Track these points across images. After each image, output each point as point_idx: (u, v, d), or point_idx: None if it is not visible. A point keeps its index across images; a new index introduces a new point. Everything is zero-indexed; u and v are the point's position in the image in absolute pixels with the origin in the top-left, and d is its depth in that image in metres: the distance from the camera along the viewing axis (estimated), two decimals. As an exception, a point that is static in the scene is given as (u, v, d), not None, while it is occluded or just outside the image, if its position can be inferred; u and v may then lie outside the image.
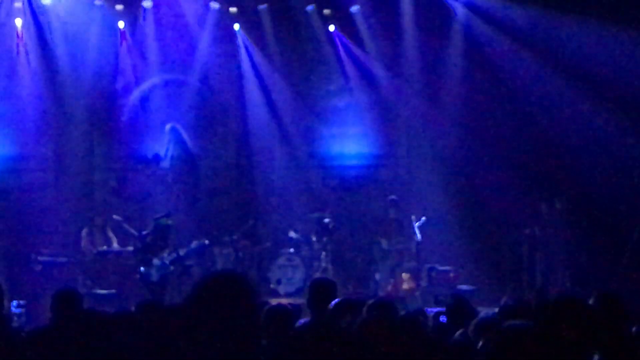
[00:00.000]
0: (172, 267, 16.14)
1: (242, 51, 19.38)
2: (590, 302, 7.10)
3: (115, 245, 17.34)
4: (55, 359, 5.57)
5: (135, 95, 19.24)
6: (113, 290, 16.36)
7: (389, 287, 17.26)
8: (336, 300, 7.64)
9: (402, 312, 7.68)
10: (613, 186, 16.97)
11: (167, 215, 16.61)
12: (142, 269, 16.06)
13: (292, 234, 18.23)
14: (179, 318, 3.96)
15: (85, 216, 17.93)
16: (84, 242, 17.21)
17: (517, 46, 18.21)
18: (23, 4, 18.26)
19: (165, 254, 16.18)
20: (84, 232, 17.34)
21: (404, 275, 17.23)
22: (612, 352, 4.80)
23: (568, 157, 17.77)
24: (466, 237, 18.14)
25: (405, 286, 17.14)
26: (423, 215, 17.62)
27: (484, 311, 11.45)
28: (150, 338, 4.82)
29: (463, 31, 18.88)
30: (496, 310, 9.82)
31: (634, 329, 6.30)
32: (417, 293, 17.08)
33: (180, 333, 3.86)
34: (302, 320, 7.89)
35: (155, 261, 16.05)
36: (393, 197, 18.12)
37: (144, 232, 16.87)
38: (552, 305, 5.02)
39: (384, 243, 17.49)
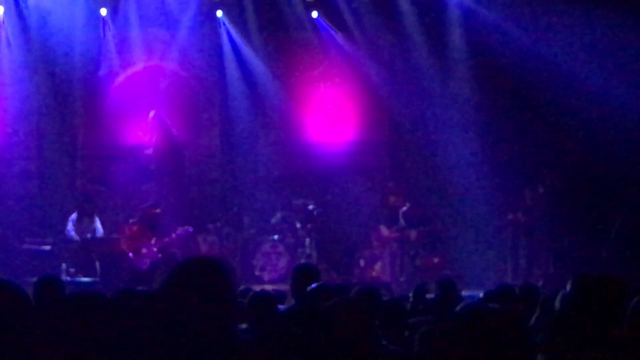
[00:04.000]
0: (160, 255, 16.15)
1: (225, 38, 19.33)
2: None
3: (100, 233, 17.28)
4: (37, 346, 5.54)
5: (118, 82, 19.17)
6: (97, 278, 16.33)
7: (373, 273, 17.28)
8: (313, 285, 7.63)
9: (386, 298, 7.69)
10: (597, 171, 17.01)
11: (155, 205, 16.62)
12: (130, 255, 16.06)
13: (276, 217, 18.20)
14: (155, 303, 3.94)
15: (71, 203, 17.88)
16: (70, 227, 17.12)
17: (503, 31, 18.22)
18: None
19: (152, 242, 16.19)
20: (73, 216, 17.26)
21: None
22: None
23: (551, 142, 17.81)
24: (450, 222, 18.18)
25: (389, 272, 17.16)
26: (407, 202, 17.66)
27: (469, 296, 11.53)
28: (128, 324, 4.79)
29: (448, 17, 18.85)
30: (481, 295, 9.88)
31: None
32: (402, 279, 17.10)
33: (156, 318, 3.85)
34: (283, 307, 7.89)
35: (144, 250, 16.05)
36: (391, 184, 18.00)
37: (131, 221, 16.94)
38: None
39: (385, 231, 17.29)
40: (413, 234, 17.08)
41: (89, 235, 17.05)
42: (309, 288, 7.28)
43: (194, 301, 3.79)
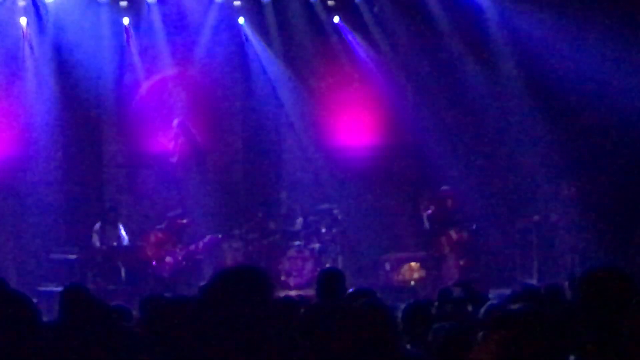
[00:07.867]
0: (184, 263, 16.20)
1: (247, 44, 19.37)
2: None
3: (126, 241, 17.35)
4: (64, 355, 5.58)
5: (142, 91, 19.25)
6: (123, 287, 16.39)
7: (399, 276, 17.23)
8: (350, 289, 7.69)
9: (410, 302, 7.69)
10: (623, 171, 16.95)
11: (182, 216, 16.66)
12: (153, 263, 16.13)
13: (298, 223, 18.19)
14: (192, 310, 3.98)
15: (97, 212, 17.97)
16: (95, 237, 17.22)
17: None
18: (27, 2, 18.27)
19: (177, 249, 16.24)
20: (97, 226, 17.35)
21: (413, 265, 17.15)
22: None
23: (579, 143, 17.76)
24: (476, 223, 18.11)
25: (415, 275, 17.10)
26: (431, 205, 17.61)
27: (494, 297, 11.48)
28: (159, 331, 4.83)
29: (467, 21, 18.81)
30: (506, 295, 9.86)
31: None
32: (428, 282, 17.04)
33: (193, 326, 3.88)
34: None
35: (168, 258, 16.11)
36: (446, 187, 17.46)
37: (157, 227, 17.02)
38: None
39: (453, 235, 16.96)
40: (465, 234, 16.82)
41: (114, 244, 17.13)
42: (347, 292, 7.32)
43: (234, 308, 3.82)
